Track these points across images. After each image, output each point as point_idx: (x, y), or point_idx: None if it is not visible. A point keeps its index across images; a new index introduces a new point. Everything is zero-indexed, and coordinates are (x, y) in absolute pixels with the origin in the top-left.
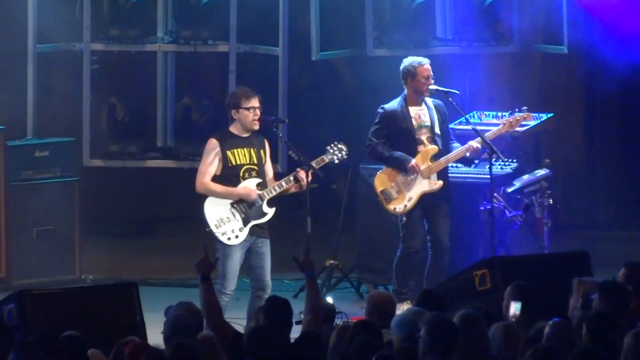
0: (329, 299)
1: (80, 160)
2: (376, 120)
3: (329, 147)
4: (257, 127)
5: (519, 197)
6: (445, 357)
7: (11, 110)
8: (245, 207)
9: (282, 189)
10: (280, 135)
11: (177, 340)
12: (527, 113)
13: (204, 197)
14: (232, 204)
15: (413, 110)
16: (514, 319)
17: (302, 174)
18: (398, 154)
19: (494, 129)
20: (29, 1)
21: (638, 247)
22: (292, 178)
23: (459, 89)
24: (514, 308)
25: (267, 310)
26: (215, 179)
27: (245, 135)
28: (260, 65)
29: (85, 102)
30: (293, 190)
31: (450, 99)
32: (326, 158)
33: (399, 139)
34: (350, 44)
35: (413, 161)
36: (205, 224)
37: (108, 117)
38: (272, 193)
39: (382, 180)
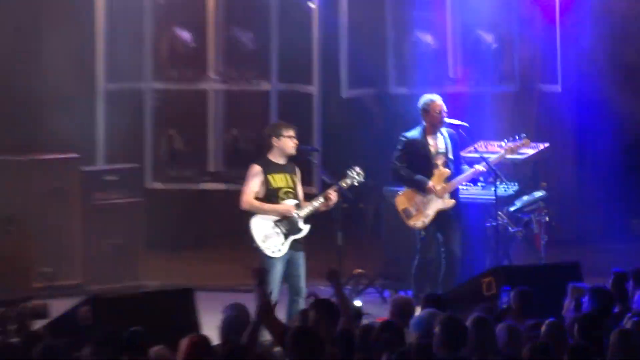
0: (357, 303)
1: (143, 184)
2: (399, 147)
3: (348, 171)
4: (294, 152)
5: (519, 215)
6: (456, 351)
7: (84, 140)
8: (286, 224)
9: (314, 207)
10: (315, 162)
11: (231, 336)
12: (526, 140)
13: (250, 216)
14: (275, 222)
15: (430, 139)
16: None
17: (331, 194)
18: (418, 177)
19: (498, 153)
20: (99, 46)
21: (622, 257)
22: (322, 199)
23: (467, 121)
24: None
25: (317, 309)
26: (257, 199)
27: (282, 162)
28: (297, 101)
29: (147, 133)
30: (323, 208)
31: (460, 130)
32: (348, 180)
33: (418, 163)
34: (375, 83)
35: (430, 183)
36: (252, 240)
37: (167, 146)
38: (306, 211)
39: (402, 200)
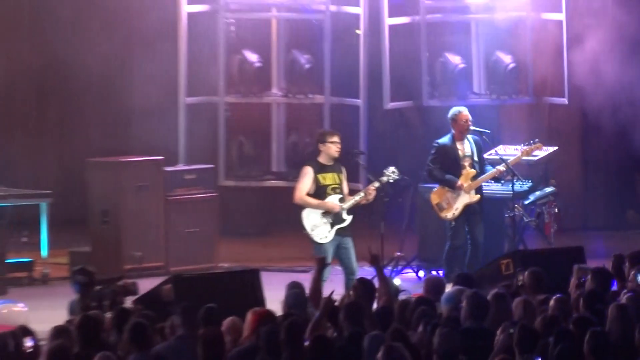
0: (396, 281)
1: (217, 181)
2: (432, 152)
3: (385, 171)
4: (337, 156)
5: (532, 207)
6: (480, 321)
7: (168, 145)
8: (332, 216)
9: (356, 201)
10: (361, 162)
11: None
12: (539, 144)
13: (301, 209)
14: (322, 214)
15: (458, 144)
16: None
17: (371, 190)
18: (448, 176)
19: (515, 156)
20: (180, 66)
21: (618, 243)
22: (362, 194)
23: (489, 129)
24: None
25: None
26: (309, 195)
27: (330, 163)
28: (346, 112)
29: (220, 139)
30: (364, 202)
31: (484, 136)
32: (384, 178)
33: (448, 165)
34: (412, 97)
35: (459, 181)
36: (303, 228)
37: (237, 150)
38: (349, 204)
39: (436, 196)
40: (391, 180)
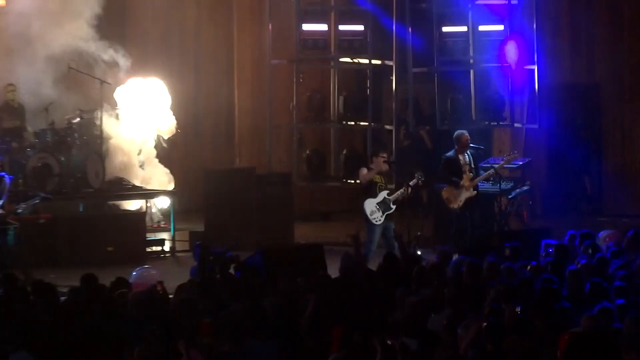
0: (418, 252)
1: (293, 182)
2: (442, 162)
3: (415, 174)
4: (384, 168)
5: (513, 200)
6: (476, 281)
7: (259, 157)
8: (383, 205)
9: (397, 196)
10: (392, 169)
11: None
12: (516, 155)
13: (363, 199)
14: (376, 204)
15: (460, 156)
16: None
17: (407, 189)
18: (454, 178)
19: (500, 163)
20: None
21: (573, 225)
22: (403, 191)
23: (482, 145)
24: None
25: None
26: (364, 187)
27: (381, 169)
28: (382, 134)
29: (294, 153)
30: (402, 197)
31: (479, 150)
32: (415, 179)
33: (454, 171)
34: (429, 122)
35: (461, 182)
36: (364, 214)
37: (306, 161)
38: (394, 198)
39: (446, 192)
40: (420, 183)
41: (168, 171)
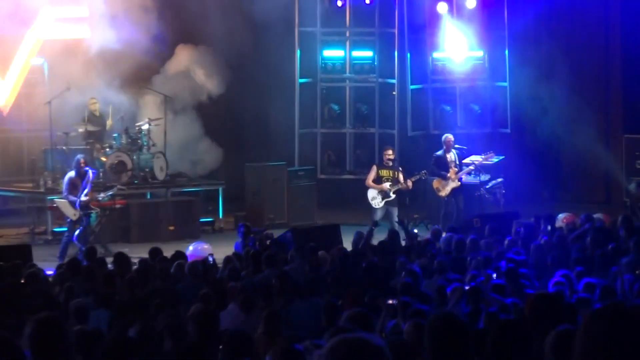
0: (415, 231)
1: (316, 175)
2: (433, 158)
3: (420, 173)
4: (391, 164)
5: (490, 189)
6: (461, 253)
7: (288, 154)
8: (383, 193)
9: (399, 187)
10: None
11: (356, 245)
12: (492, 154)
13: (366, 190)
14: (377, 192)
15: (447, 155)
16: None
17: (408, 182)
18: (442, 172)
19: (480, 160)
20: (297, 109)
21: (539, 209)
22: (403, 183)
23: (465, 145)
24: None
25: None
26: (373, 181)
27: (387, 164)
28: (387, 137)
29: (317, 152)
30: (404, 188)
31: (462, 149)
32: (417, 175)
33: (442, 166)
34: (424, 128)
35: (448, 175)
36: (367, 200)
37: (327, 158)
38: (394, 188)
39: (436, 183)
40: (423, 177)
41: None
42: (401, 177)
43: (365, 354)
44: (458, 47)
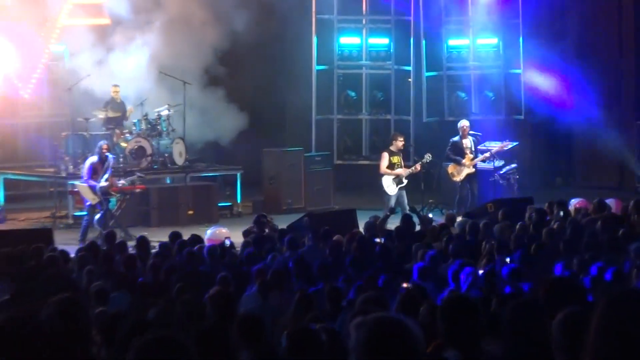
0: (430, 215)
1: (333, 161)
2: (449, 144)
3: (425, 155)
4: (402, 148)
5: (504, 175)
6: (474, 238)
7: (305, 140)
8: (397, 179)
9: (410, 172)
10: (411, 151)
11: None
12: (507, 142)
13: (381, 177)
14: (392, 179)
15: (463, 141)
16: None
17: (417, 166)
18: (457, 157)
19: (496, 147)
20: (314, 95)
21: (552, 195)
22: (413, 168)
23: (480, 132)
24: None
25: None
26: (387, 168)
27: (397, 150)
28: (402, 123)
29: (334, 138)
30: (414, 172)
31: (477, 136)
32: (425, 159)
33: (458, 151)
34: (440, 115)
35: (464, 160)
36: (382, 187)
37: (343, 144)
38: (406, 173)
39: (451, 169)
40: (428, 161)
41: None
42: (404, 163)
43: (401, 334)
44: (473, 29)
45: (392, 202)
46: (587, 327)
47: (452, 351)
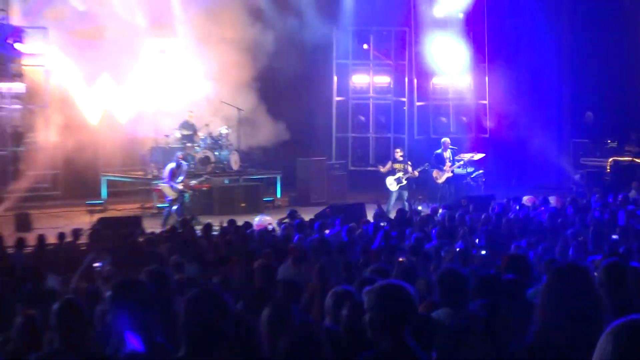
0: (420, 207)
1: (348, 167)
2: (434, 156)
3: (425, 164)
4: (400, 159)
5: (474, 178)
6: (452, 223)
7: (327, 150)
8: (397, 180)
9: (409, 175)
10: (408, 161)
11: (376, 219)
12: (477, 153)
13: (385, 177)
14: (393, 179)
15: (444, 153)
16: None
17: (415, 172)
18: (440, 165)
19: (468, 157)
20: (334, 122)
21: (508, 194)
22: (411, 173)
23: (456, 146)
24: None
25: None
26: (388, 173)
27: (399, 159)
28: (399, 140)
29: (349, 150)
30: (412, 176)
31: (455, 149)
32: (422, 167)
33: (440, 161)
34: (426, 133)
35: (444, 167)
36: (386, 184)
37: (355, 155)
38: (406, 177)
39: (435, 173)
40: (426, 169)
41: None
42: (410, 168)
43: (401, 295)
44: (451, 71)
45: (392, 198)
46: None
47: (444, 309)
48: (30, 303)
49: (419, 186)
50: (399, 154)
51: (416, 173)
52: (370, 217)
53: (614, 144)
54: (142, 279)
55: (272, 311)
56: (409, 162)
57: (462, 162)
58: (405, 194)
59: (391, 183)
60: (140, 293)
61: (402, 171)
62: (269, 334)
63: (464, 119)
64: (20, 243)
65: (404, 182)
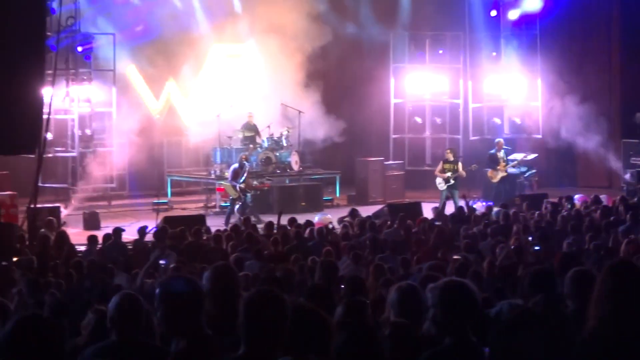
0: (475, 206)
1: (404, 167)
2: (488, 155)
3: (473, 165)
4: (451, 158)
5: (527, 177)
6: (508, 223)
7: (383, 151)
8: (446, 180)
9: (457, 175)
10: (461, 161)
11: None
12: (530, 153)
13: (435, 177)
14: (443, 179)
15: (498, 153)
16: None
17: (464, 171)
18: (494, 165)
19: (521, 158)
20: (391, 122)
21: (561, 193)
22: (460, 173)
23: (510, 146)
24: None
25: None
26: (440, 171)
27: (450, 159)
28: (454, 141)
29: (406, 151)
30: (461, 176)
31: (508, 149)
32: (469, 168)
33: (495, 160)
34: (481, 134)
35: (498, 167)
36: (437, 183)
37: (412, 155)
38: (454, 176)
39: (490, 173)
40: (473, 169)
41: None
42: (460, 168)
43: (467, 292)
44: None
45: (443, 196)
46: (588, 282)
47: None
48: (99, 299)
49: (474, 186)
50: (449, 154)
51: (464, 173)
52: (427, 213)
53: None
54: (207, 276)
55: (347, 309)
56: (460, 162)
57: (515, 162)
58: (456, 193)
59: (440, 182)
60: (198, 293)
61: (451, 171)
62: (342, 331)
63: (517, 120)
64: (92, 241)
65: (452, 181)
